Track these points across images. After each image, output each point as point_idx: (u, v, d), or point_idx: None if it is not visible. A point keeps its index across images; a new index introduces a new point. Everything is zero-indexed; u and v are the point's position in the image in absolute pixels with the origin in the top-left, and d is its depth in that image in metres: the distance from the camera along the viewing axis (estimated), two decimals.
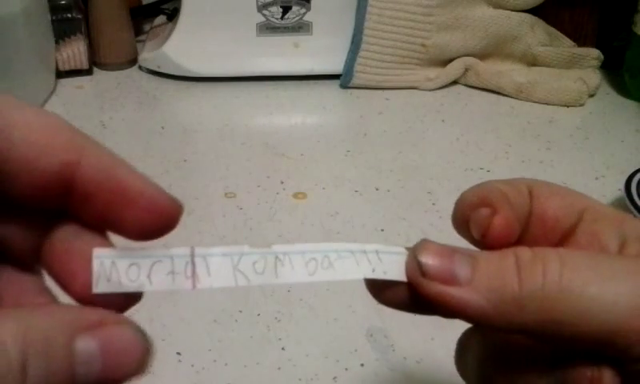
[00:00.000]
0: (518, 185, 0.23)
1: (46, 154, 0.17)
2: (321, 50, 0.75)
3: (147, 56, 0.77)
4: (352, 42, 0.73)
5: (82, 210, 0.18)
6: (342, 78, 0.74)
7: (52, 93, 0.73)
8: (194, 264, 0.20)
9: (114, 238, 0.20)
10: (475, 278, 0.21)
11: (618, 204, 0.56)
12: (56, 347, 0.16)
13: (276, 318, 0.45)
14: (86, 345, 0.16)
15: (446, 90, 0.76)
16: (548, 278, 0.19)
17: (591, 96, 0.74)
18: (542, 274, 0.19)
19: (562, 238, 0.22)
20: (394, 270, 0.25)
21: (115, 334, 0.17)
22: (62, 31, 0.75)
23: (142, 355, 0.17)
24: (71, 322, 0.16)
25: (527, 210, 0.22)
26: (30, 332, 0.15)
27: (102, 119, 0.69)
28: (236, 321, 0.44)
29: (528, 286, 0.20)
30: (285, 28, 0.74)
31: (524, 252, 0.21)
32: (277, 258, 0.22)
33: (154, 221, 0.19)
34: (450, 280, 0.21)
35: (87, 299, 0.18)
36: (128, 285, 0.19)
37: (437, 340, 0.43)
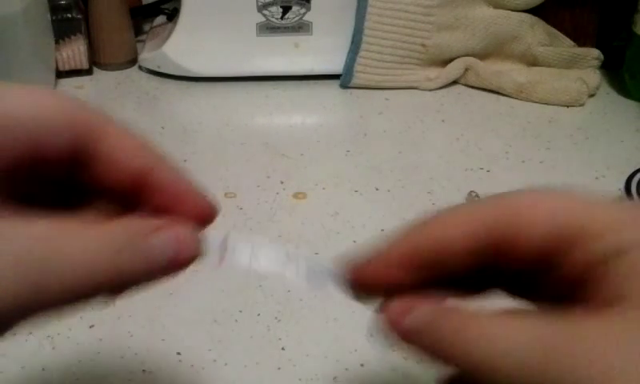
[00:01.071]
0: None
1: (131, 159, 0.25)
2: (321, 50, 0.75)
3: (147, 56, 0.77)
4: (352, 42, 0.73)
5: (146, 200, 0.25)
6: (342, 78, 0.74)
7: None
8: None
9: None
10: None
11: None
12: (138, 241, 0.22)
13: (276, 318, 0.45)
14: (159, 239, 0.22)
15: (445, 89, 0.76)
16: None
17: (591, 96, 0.74)
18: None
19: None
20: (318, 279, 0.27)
21: (179, 230, 0.23)
22: (62, 31, 0.75)
23: (198, 244, 0.24)
24: (147, 225, 0.23)
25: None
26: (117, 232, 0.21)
27: None
28: (236, 321, 0.44)
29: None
30: (285, 28, 0.74)
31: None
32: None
33: (198, 219, 0.26)
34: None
35: None
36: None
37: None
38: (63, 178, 0.23)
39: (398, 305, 0.23)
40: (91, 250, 0.20)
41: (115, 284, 0.21)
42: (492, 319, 0.21)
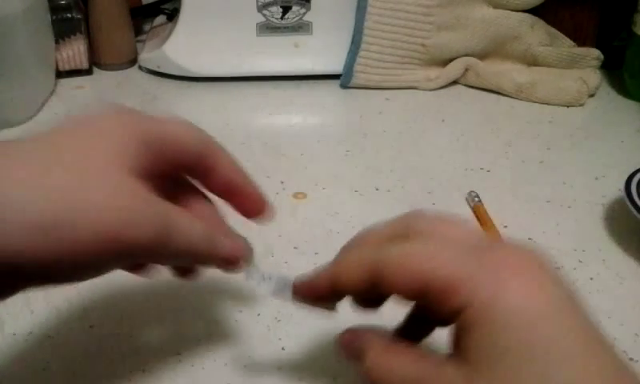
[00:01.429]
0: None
1: (229, 173, 0.37)
2: (321, 50, 0.75)
3: (147, 56, 0.77)
4: (352, 42, 0.73)
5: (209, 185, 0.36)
6: (342, 78, 0.74)
7: (52, 93, 0.73)
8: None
9: None
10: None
11: (617, 204, 0.56)
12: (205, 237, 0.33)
13: (276, 318, 0.45)
14: (228, 240, 0.35)
15: (445, 89, 0.76)
16: None
17: (591, 96, 0.74)
18: None
19: None
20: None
21: (238, 238, 0.37)
22: (62, 31, 0.75)
23: (249, 249, 0.37)
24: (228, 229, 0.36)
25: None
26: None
27: None
28: (236, 321, 0.44)
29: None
30: (285, 28, 0.74)
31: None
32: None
33: (252, 209, 0.38)
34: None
35: None
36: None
37: (436, 339, 0.43)
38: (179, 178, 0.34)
39: (347, 334, 0.32)
40: (198, 229, 0.32)
41: (201, 253, 0.33)
42: (394, 353, 0.28)
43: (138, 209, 0.27)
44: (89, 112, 0.32)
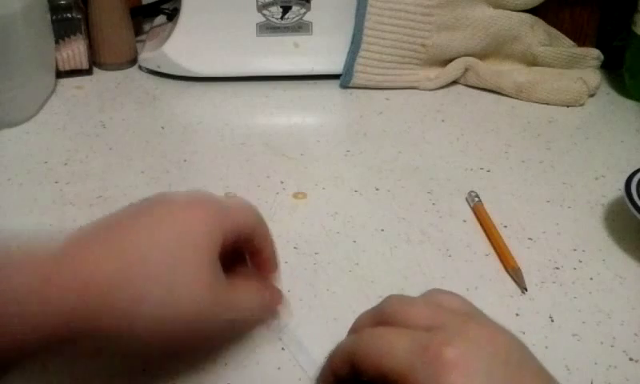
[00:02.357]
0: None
1: (267, 248, 0.41)
2: (321, 50, 0.75)
3: (147, 56, 0.77)
4: (352, 42, 0.73)
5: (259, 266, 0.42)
6: (342, 78, 0.74)
7: (52, 93, 0.73)
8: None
9: None
10: None
11: (617, 204, 0.56)
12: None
13: (276, 318, 0.45)
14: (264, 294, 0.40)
15: (445, 89, 0.76)
16: None
17: (591, 96, 0.74)
18: None
19: None
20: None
21: (276, 290, 0.42)
22: (62, 31, 0.75)
23: (284, 300, 0.42)
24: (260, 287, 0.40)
25: None
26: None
27: (101, 119, 0.69)
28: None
29: None
30: (285, 28, 0.74)
31: None
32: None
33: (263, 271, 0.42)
34: None
35: None
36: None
37: None
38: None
39: None
40: (255, 302, 0.40)
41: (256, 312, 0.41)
42: None
43: (216, 312, 0.35)
44: (173, 198, 0.36)
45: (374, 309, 0.36)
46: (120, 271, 0.31)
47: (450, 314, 0.32)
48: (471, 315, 0.33)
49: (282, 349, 0.42)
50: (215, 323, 0.35)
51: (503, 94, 0.74)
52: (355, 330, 0.37)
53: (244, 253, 0.41)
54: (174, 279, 0.32)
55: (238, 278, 0.38)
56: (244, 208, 0.39)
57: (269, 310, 0.42)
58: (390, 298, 0.35)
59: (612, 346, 0.43)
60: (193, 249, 0.33)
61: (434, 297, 0.35)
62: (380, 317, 0.34)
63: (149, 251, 0.32)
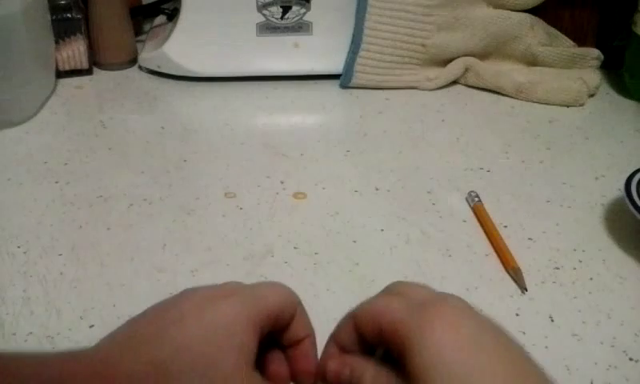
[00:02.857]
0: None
1: (302, 331, 0.36)
2: (321, 49, 0.75)
3: (147, 56, 0.77)
4: (352, 42, 0.73)
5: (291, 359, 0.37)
6: (342, 78, 0.74)
7: (52, 93, 0.73)
8: None
9: None
10: None
11: (617, 204, 0.56)
12: None
13: None
14: None
15: (445, 89, 0.76)
16: None
17: (591, 96, 0.74)
18: None
19: None
20: None
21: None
22: (62, 31, 0.75)
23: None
24: None
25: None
26: None
27: (101, 119, 0.69)
28: None
29: None
30: (285, 28, 0.74)
31: None
32: None
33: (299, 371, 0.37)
34: None
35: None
36: None
37: None
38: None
39: (334, 364, 0.35)
40: None
41: None
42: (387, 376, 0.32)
43: None
44: (209, 296, 0.34)
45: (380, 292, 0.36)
46: (150, 375, 0.30)
47: (419, 303, 0.33)
48: (440, 297, 0.35)
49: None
50: None
51: (503, 94, 0.74)
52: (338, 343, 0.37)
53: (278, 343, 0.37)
54: (208, 377, 0.31)
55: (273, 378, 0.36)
56: (279, 292, 0.35)
57: None
58: (396, 282, 0.36)
59: (612, 346, 0.43)
60: (229, 348, 0.31)
61: (396, 288, 0.35)
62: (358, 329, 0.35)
63: (180, 351, 0.31)
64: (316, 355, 0.37)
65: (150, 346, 0.31)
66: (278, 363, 0.36)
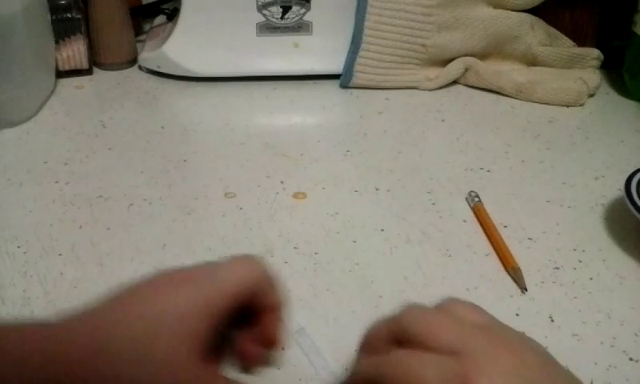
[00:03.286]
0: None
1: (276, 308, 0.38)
2: (321, 49, 0.75)
3: (147, 56, 0.77)
4: (352, 42, 0.73)
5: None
6: (342, 78, 0.74)
7: (52, 93, 0.73)
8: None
9: None
10: None
11: (617, 204, 0.56)
12: None
13: None
14: None
15: (445, 89, 0.76)
16: None
17: (591, 96, 0.74)
18: None
19: None
20: None
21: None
22: (62, 31, 0.75)
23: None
24: None
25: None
26: None
27: (101, 119, 0.69)
28: None
29: None
30: (285, 28, 0.74)
31: None
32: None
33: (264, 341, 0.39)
34: None
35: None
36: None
37: None
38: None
39: None
40: None
41: None
42: None
43: None
44: (169, 280, 0.35)
45: (389, 320, 0.35)
46: (101, 341, 0.32)
47: (474, 332, 0.32)
48: (492, 328, 0.33)
49: (282, 349, 0.42)
50: None
51: (503, 94, 0.74)
52: (371, 344, 0.35)
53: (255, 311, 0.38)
54: (146, 358, 0.32)
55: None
56: (241, 273, 0.36)
57: None
58: (408, 310, 0.34)
59: (612, 346, 0.43)
60: (171, 334, 0.33)
61: (453, 309, 0.34)
62: (399, 332, 0.33)
63: (131, 325, 0.33)
64: (282, 326, 0.38)
65: (98, 321, 0.33)
66: (247, 342, 0.38)
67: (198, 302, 0.33)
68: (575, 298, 0.47)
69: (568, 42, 0.77)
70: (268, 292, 0.37)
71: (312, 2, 0.74)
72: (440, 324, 0.32)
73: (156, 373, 0.32)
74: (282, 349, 0.40)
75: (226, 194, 0.57)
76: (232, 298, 0.35)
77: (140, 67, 0.79)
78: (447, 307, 0.34)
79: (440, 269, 0.49)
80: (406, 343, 0.32)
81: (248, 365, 0.39)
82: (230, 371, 0.39)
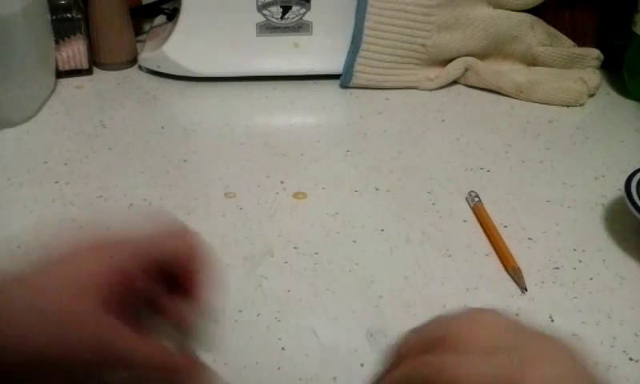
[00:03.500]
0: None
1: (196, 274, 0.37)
2: (321, 49, 0.75)
3: (147, 56, 0.77)
4: (352, 42, 0.73)
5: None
6: (342, 78, 0.74)
7: (52, 93, 0.73)
8: None
9: None
10: None
11: (617, 204, 0.56)
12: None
13: (276, 318, 0.45)
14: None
15: (445, 89, 0.76)
16: None
17: (591, 96, 0.74)
18: None
19: None
20: None
21: (191, 362, 0.36)
22: (62, 31, 0.75)
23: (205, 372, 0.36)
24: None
25: None
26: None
27: (101, 119, 0.69)
28: (236, 321, 0.44)
29: None
30: (285, 28, 0.74)
31: None
32: None
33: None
34: None
35: None
36: None
37: None
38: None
39: None
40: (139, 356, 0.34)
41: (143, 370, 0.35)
42: None
43: (82, 336, 0.33)
44: (85, 247, 0.36)
45: (419, 330, 0.33)
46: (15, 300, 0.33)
47: (513, 329, 0.32)
48: (524, 326, 0.33)
49: (282, 349, 0.42)
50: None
51: (503, 94, 0.74)
52: (401, 356, 0.34)
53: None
54: (49, 309, 0.33)
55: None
56: (161, 238, 0.37)
57: (174, 377, 0.37)
58: (439, 318, 0.33)
59: (612, 346, 0.43)
60: (75, 283, 0.34)
61: (480, 314, 0.33)
62: (435, 340, 0.32)
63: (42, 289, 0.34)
64: (202, 289, 0.37)
65: (13, 274, 0.34)
66: (173, 305, 0.38)
67: (104, 258, 0.35)
68: (575, 297, 0.47)
69: (568, 41, 0.77)
70: (193, 262, 0.37)
71: (312, 2, 0.74)
72: (479, 325, 0.31)
73: (59, 323, 0.33)
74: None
75: (226, 194, 0.57)
76: (145, 256, 0.36)
77: (140, 67, 0.79)
78: (474, 312, 0.33)
79: (440, 269, 0.49)
80: (443, 349, 0.31)
81: (179, 329, 0.39)
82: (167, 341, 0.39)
